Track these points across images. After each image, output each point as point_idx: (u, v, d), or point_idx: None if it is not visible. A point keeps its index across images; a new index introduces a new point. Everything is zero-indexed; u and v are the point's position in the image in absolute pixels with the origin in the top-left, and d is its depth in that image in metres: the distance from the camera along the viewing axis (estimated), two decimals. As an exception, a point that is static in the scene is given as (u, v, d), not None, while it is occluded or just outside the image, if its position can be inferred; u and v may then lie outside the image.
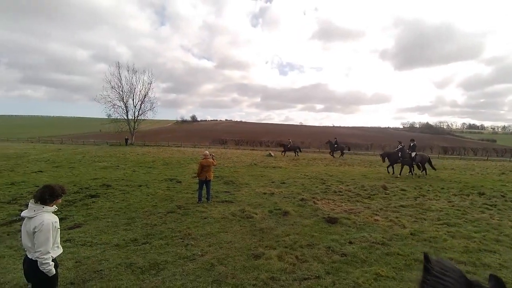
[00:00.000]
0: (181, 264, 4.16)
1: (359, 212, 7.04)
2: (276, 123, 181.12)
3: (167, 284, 3.61)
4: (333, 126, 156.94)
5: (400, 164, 14.31)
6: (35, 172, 12.70)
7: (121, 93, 40.83)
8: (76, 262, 4.13)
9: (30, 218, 2.49)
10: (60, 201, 2.72)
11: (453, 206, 7.93)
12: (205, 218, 6.38)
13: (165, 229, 5.64)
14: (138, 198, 8.18)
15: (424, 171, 14.27)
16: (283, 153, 25.23)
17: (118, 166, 15.45)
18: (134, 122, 41.88)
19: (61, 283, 3.31)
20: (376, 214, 6.88)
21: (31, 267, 2.52)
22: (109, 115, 40.56)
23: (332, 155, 24.23)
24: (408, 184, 11.25)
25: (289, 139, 27.36)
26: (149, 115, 43.31)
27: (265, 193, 9.04)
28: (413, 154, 13.98)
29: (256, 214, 6.68)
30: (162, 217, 6.40)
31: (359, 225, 6.06)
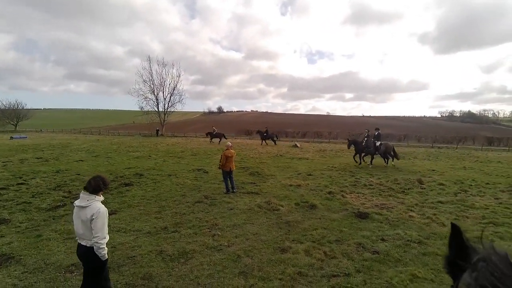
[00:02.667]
0: (208, 254, 4.23)
1: (392, 208, 6.65)
2: (302, 114, 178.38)
3: (195, 273, 3.69)
4: (363, 116, 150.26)
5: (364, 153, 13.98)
6: (77, 161, 13.76)
7: (152, 86, 42.74)
8: (111, 248, 4.36)
9: (83, 207, 2.64)
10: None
11: (500, 203, 7.18)
12: (231, 209, 6.44)
13: (193, 218, 5.78)
14: (168, 187, 8.49)
15: (386, 161, 13.83)
16: (211, 141, 27.08)
17: (150, 156, 16.20)
18: (164, 114, 43.61)
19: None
20: (411, 210, 6.45)
21: (86, 253, 2.69)
22: (142, 108, 42.72)
23: (261, 143, 25.42)
24: (448, 179, 10.41)
25: (213, 127, 29.67)
26: (178, 107, 44.98)
27: (291, 185, 8.91)
28: (378, 143, 13.43)
29: (282, 206, 6.60)
30: (190, 207, 6.58)
31: (392, 221, 5.71)
